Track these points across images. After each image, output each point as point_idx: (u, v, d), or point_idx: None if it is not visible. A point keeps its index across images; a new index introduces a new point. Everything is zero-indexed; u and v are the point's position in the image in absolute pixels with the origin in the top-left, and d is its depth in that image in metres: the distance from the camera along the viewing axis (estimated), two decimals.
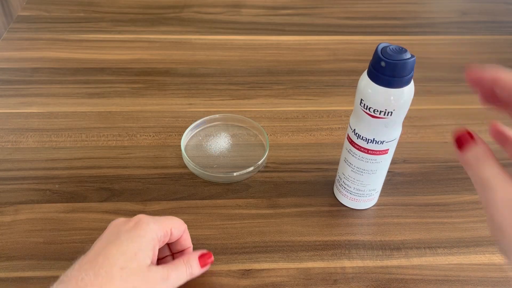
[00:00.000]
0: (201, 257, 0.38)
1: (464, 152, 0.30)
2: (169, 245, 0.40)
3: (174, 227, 0.37)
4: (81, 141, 0.53)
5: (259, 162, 0.50)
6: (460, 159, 0.30)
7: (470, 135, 0.31)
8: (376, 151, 0.41)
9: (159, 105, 0.59)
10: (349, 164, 0.44)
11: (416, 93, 0.38)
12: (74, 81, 0.62)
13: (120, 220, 0.36)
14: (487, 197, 0.27)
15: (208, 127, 0.56)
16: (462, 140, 0.31)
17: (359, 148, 0.42)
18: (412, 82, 0.38)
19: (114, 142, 0.53)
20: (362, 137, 0.41)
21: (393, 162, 0.44)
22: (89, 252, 0.33)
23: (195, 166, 0.49)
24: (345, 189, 0.46)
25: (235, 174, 0.49)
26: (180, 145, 0.53)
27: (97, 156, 0.51)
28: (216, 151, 0.53)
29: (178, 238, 0.38)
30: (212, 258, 0.39)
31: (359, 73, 0.40)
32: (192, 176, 0.50)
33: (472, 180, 0.29)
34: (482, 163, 0.30)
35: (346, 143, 0.43)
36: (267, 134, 0.54)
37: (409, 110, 0.39)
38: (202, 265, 0.38)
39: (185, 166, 0.51)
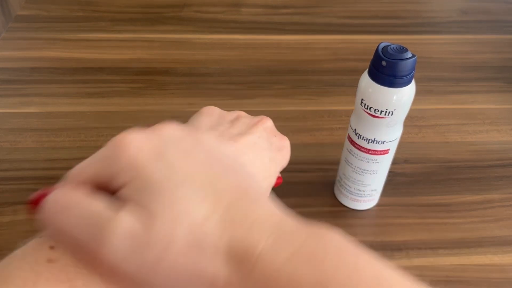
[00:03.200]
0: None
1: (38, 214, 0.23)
2: None
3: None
4: (80, 141, 0.53)
5: None
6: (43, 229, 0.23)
7: (40, 194, 0.24)
8: (377, 151, 0.41)
9: (159, 105, 0.59)
10: (349, 164, 0.43)
11: (417, 93, 0.38)
12: (73, 81, 0.62)
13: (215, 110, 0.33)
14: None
15: None
16: (35, 203, 0.24)
17: (360, 148, 0.41)
18: (413, 81, 0.38)
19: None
20: (363, 137, 0.40)
21: (394, 162, 0.44)
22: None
23: None
24: (345, 190, 0.46)
25: None
26: None
27: None
28: None
29: None
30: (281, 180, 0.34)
31: (360, 73, 0.39)
32: None
33: (64, 241, 0.22)
34: (54, 200, 0.23)
35: (347, 143, 0.43)
36: None
37: (410, 109, 0.39)
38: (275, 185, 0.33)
39: None
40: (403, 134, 0.42)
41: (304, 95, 0.61)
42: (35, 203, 0.24)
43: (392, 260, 0.42)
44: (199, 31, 0.73)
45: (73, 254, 0.22)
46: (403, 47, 0.36)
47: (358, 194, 0.45)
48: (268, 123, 0.34)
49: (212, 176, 0.22)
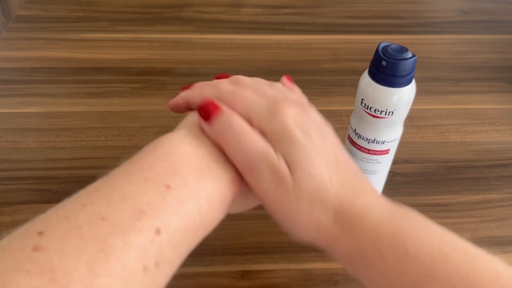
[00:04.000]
0: None
1: (211, 123, 0.29)
2: None
3: None
4: (80, 141, 0.53)
5: None
6: (210, 134, 0.30)
7: (215, 106, 0.30)
8: (377, 151, 0.41)
9: (159, 105, 0.59)
10: None
11: (417, 93, 0.38)
12: (74, 81, 0.62)
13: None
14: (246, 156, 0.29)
15: None
16: (208, 111, 0.30)
17: (360, 148, 0.41)
18: (413, 81, 0.38)
19: (114, 142, 0.53)
20: (363, 137, 0.40)
21: (394, 162, 0.44)
22: None
23: None
24: None
25: None
26: None
27: (96, 156, 0.51)
28: None
29: None
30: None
31: (360, 73, 0.39)
32: None
33: (231, 155, 0.29)
34: (230, 123, 0.29)
35: (347, 143, 0.43)
36: None
37: (410, 110, 0.39)
38: None
39: None
40: (403, 134, 0.42)
41: (304, 95, 0.61)
42: (205, 110, 0.30)
43: None
44: (199, 31, 0.74)
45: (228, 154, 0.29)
46: (403, 47, 0.36)
47: None
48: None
49: (337, 160, 0.30)
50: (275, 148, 0.29)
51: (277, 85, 0.34)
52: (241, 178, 0.29)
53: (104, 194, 0.24)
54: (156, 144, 0.28)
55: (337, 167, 0.29)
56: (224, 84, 0.33)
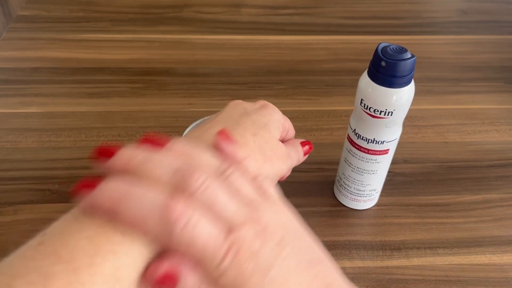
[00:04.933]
0: (302, 143, 0.38)
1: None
2: None
3: (290, 126, 0.37)
4: (80, 141, 0.53)
5: None
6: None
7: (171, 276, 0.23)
8: (377, 151, 0.41)
9: (159, 105, 0.59)
10: (349, 164, 0.43)
11: (417, 93, 0.38)
12: (74, 81, 0.62)
13: (241, 101, 0.36)
14: None
15: None
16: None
17: (360, 148, 0.41)
18: (412, 82, 0.38)
19: (114, 142, 0.53)
20: (363, 137, 0.40)
21: (394, 162, 0.44)
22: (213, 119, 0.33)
23: None
24: (345, 189, 0.46)
25: None
26: None
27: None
28: None
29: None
30: (311, 146, 0.38)
31: (360, 73, 0.39)
32: None
33: None
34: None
35: (347, 143, 0.43)
36: None
37: (410, 110, 0.39)
38: (305, 153, 0.38)
39: None
40: (402, 134, 0.42)
41: (304, 95, 0.61)
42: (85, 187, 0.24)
43: (392, 260, 0.42)
44: (199, 31, 0.74)
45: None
46: (402, 48, 0.36)
47: (358, 194, 0.45)
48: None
49: (305, 285, 0.25)
50: None
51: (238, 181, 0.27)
52: None
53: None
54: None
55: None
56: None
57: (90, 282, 0.21)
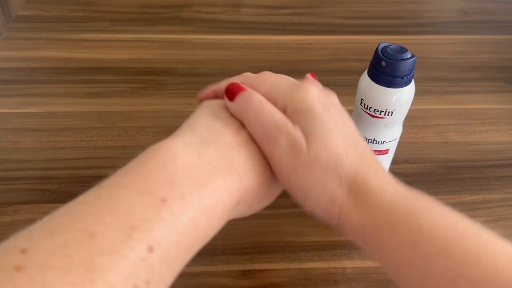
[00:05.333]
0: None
1: (234, 101, 0.31)
2: None
3: None
4: (80, 141, 0.53)
5: None
6: (232, 110, 0.32)
7: (239, 86, 0.32)
8: (377, 151, 0.41)
9: (159, 105, 0.59)
10: None
11: (417, 93, 0.38)
12: (73, 81, 0.62)
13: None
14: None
15: None
16: (232, 91, 0.32)
17: None
18: (412, 81, 0.38)
19: (114, 142, 0.53)
20: (363, 137, 0.40)
21: (394, 162, 0.44)
22: None
23: None
24: None
25: None
26: None
27: (96, 156, 0.51)
28: None
29: None
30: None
31: (360, 73, 0.39)
32: None
33: (251, 129, 0.31)
34: (251, 98, 0.31)
35: None
36: None
37: (410, 110, 0.39)
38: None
39: None
40: (402, 134, 0.42)
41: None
42: (230, 91, 0.32)
43: None
44: (199, 31, 0.74)
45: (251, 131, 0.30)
46: (402, 48, 0.36)
47: None
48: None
49: (355, 139, 0.31)
50: (293, 121, 0.30)
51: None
52: (244, 185, 0.28)
53: (94, 208, 0.23)
54: (152, 152, 0.27)
55: (354, 144, 0.30)
56: (249, 74, 0.35)
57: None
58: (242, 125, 0.31)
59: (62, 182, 0.48)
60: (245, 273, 0.41)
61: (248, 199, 0.29)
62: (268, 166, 0.31)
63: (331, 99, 0.33)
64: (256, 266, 0.41)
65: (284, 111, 0.31)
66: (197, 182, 0.26)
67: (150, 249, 0.22)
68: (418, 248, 0.25)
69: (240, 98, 0.31)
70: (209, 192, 0.26)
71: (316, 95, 0.31)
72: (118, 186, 0.24)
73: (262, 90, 0.32)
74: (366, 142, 0.34)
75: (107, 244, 0.21)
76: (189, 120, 0.31)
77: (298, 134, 0.29)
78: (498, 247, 0.25)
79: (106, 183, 0.25)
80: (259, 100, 0.31)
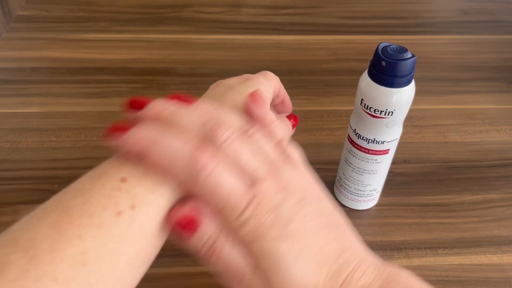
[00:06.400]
0: (288, 117, 0.35)
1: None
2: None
3: (284, 94, 0.36)
4: (80, 141, 0.53)
5: None
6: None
7: (191, 220, 0.25)
8: (377, 151, 0.41)
9: None
10: (349, 164, 0.43)
11: (417, 93, 0.38)
12: (73, 81, 0.62)
13: (222, 80, 0.34)
14: None
15: None
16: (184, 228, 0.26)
17: (360, 148, 0.41)
18: (412, 81, 0.38)
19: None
20: (363, 137, 0.40)
21: (394, 162, 0.44)
22: (205, 97, 0.32)
23: None
24: (345, 190, 0.46)
25: None
26: None
27: (96, 156, 0.51)
28: None
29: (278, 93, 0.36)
30: (297, 118, 0.36)
31: (360, 73, 0.39)
32: None
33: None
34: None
35: (347, 143, 0.43)
36: None
37: (410, 110, 0.39)
38: (293, 126, 0.35)
39: None
40: (402, 134, 0.42)
41: (304, 95, 0.61)
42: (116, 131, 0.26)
43: (392, 260, 0.42)
44: (199, 31, 0.74)
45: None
46: (403, 47, 0.36)
47: (358, 194, 0.45)
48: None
49: (322, 244, 0.26)
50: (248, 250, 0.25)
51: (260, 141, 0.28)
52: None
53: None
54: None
55: (320, 259, 0.25)
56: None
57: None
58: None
59: (62, 182, 0.48)
60: None
61: None
62: None
63: (292, 189, 0.26)
64: None
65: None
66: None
67: (123, 180, 0.23)
68: None
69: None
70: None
71: (273, 215, 0.25)
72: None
73: (208, 197, 0.25)
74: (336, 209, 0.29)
75: (81, 189, 0.24)
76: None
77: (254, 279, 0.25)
78: None
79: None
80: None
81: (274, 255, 0.24)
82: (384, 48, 0.36)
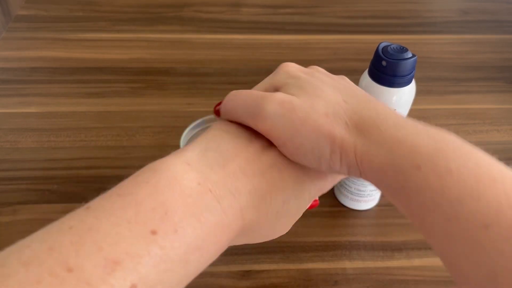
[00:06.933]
0: None
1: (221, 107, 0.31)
2: None
3: None
4: (80, 141, 0.53)
5: None
6: (222, 113, 0.31)
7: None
8: None
9: (159, 105, 0.59)
10: None
11: (417, 93, 0.38)
12: (73, 81, 0.62)
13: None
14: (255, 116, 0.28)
15: (207, 127, 0.56)
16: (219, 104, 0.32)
17: None
18: (413, 81, 0.37)
19: (113, 142, 0.53)
20: None
21: None
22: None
23: None
24: (346, 190, 0.46)
25: None
26: (179, 145, 0.52)
27: (96, 156, 0.51)
28: None
29: None
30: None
31: (360, 73, 0.39)
32: None
33: (234, 115, 0.30)
34: (231, 98, 0.31)
35: None
36: None
37: (410, 109, 0.39)
38: None
39: None
40: None
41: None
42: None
43: (392, 261, 0.42)
44: (199, 31, 0.73)
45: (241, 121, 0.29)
46: (403, 47, 0.36)
47: (358, 194, 0.45)
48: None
49: (353, 90, 0.29)
50: (277, 91, 0.30)
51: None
52: (246, 222, 0.26)
53: (77, 236, 0.20)
54: (150, 172, 0.24)
55: (351, 93, 0.28)
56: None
57: None
58: (257, 152, 0.28)
59: (62, 182, 0.48)
60: (245, 274, 0.41)
61: (249, 234, 0.27)
62: (272, 204, 0.27)
63: (317, 68, 0.32)
64: (256, 267, 0.41)
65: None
66: (193, 214, 0.23)
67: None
68: (445, 191, 0.23)
69: (225, 102, 0.31)
70: (205, 228, 0.23)
71: (296, 68, 0.31)
72: (106, 211, 0.22)
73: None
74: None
75: (85, 281, 0.19)
76: (202, 135, 0.28)
77: (284, 95, 0.28)
78: None
79: (95, 205, 0.23)
80: (242, 91, 0.31)
81: (305, 80, 0.30)
82: (385, 48, 0.36)
